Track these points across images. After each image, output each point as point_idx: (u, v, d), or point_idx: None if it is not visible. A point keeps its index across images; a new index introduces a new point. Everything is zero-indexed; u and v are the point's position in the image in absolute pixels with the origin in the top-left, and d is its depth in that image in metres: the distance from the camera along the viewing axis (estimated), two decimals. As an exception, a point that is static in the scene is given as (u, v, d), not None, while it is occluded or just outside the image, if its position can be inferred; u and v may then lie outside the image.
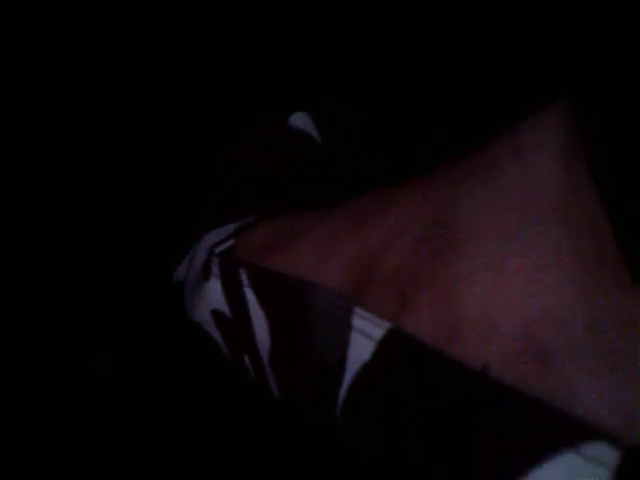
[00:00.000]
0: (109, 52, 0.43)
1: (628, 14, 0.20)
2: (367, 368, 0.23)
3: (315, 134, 0.38)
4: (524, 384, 0.20)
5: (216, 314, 0.31)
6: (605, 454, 0.18)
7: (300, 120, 0.38)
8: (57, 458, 0.34)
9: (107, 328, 0.38)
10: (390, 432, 0.22)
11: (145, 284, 0.39)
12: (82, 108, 0.43)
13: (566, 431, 0.19)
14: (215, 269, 0.31)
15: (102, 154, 0.42)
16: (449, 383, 0.20)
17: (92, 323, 0.38)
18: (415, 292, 0.22)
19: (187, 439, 0.34)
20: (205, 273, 0.31)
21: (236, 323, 0.30)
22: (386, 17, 0.41)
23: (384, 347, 0.23)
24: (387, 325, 0.23)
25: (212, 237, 0.32)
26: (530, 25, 0.34)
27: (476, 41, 0.37)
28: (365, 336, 0.23)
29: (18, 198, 0.41)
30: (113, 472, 0.34)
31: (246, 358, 0.31)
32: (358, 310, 0.24)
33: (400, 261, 0.23)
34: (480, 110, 0.35)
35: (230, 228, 0.32)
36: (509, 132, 0.22)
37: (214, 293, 0.31)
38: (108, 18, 0.43)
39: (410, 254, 0.23)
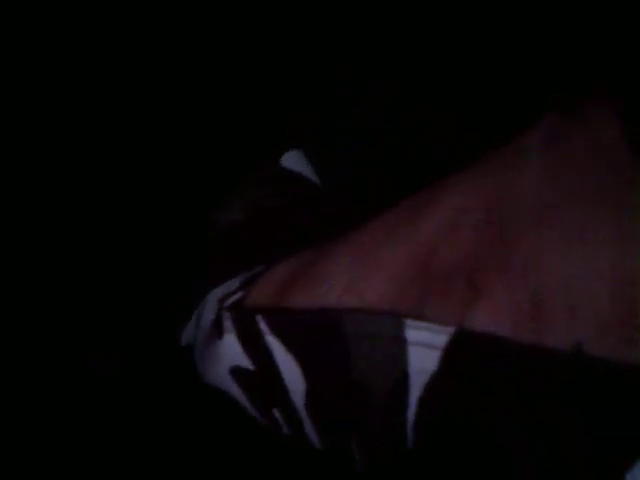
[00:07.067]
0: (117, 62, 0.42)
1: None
2: (437, 378, 0.22)
3: (310, 174, 0.36)
4: (624, 353, 0.19)
5: (236, 371, 0.29)
6: None
7: (293, 159, 0.35)
8: (57, 458, 0.34)
9: (107, 329, 0.38)
10: (478, 435, 0.21)
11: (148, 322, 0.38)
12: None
13: None
14: (228, 324, 0.28)
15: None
16: (538, 373, 0.20)
17: (92, 323, 0.38)
18: (486, 278, 0.21)
19: (188, 439, 0.34)
20: (217, 331, 0.29)
21: (261, 376, 0.28)
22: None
23: (452, 353, 0.21)
24: (451, 330, 0.22)
25: (218, 293, 0.30)
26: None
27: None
28: (426, 346, 0.22)
29: (20, 202, 0.41)
30: (113, 472, 0.34)
31: (276, 412, 0.29)
32: (410, 322, 0.23)
33: (462, 251, 0.22)
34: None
35: (236, 282, 0.30)
36: (569, 105, 0.22)
37: (231, 350, 0.28)
38: (113, 37, 0.42)
39: (472, 242, 0.22)
